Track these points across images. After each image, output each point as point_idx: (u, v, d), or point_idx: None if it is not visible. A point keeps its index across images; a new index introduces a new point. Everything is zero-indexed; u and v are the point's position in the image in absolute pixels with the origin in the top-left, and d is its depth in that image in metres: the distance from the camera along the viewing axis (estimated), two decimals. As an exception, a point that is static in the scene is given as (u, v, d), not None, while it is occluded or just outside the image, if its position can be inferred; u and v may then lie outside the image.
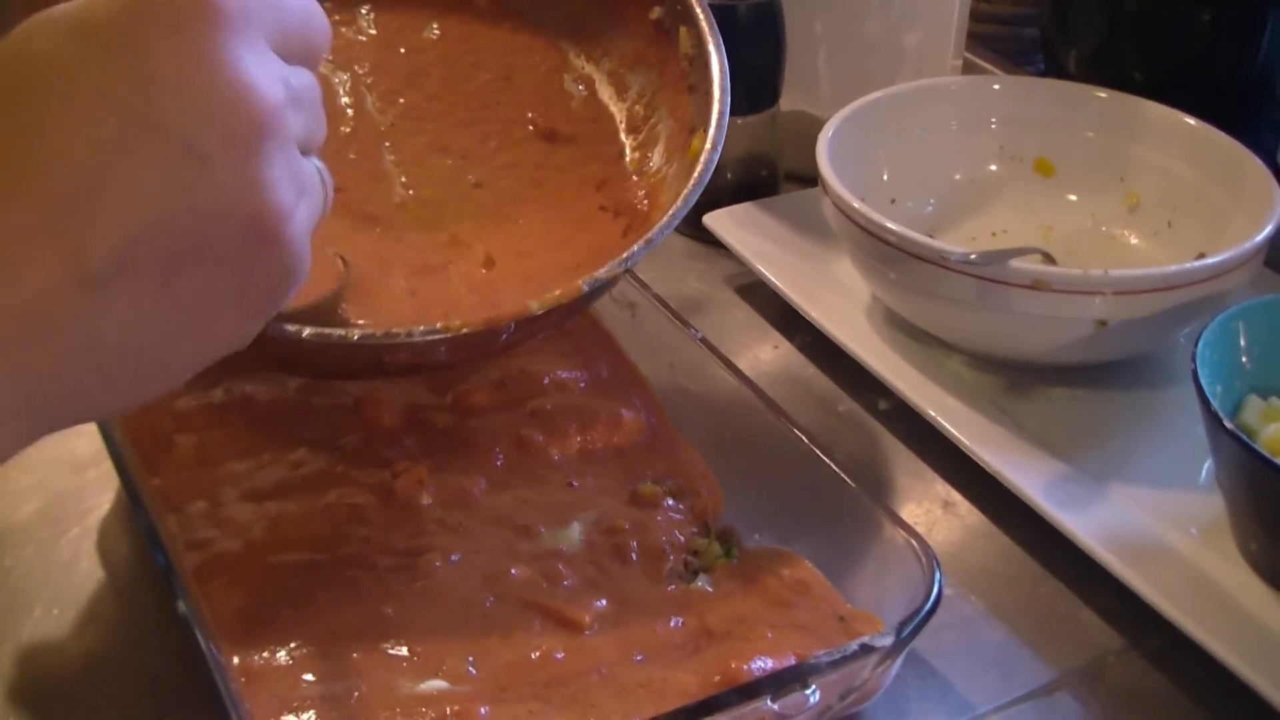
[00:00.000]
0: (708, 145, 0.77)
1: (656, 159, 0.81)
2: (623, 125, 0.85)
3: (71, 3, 0.47)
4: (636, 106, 0.84)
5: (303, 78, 0.52)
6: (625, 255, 0.71)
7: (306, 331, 0.66)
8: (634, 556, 0.77)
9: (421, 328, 0.67)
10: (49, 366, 0.46)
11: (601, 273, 0.70)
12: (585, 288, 0.70)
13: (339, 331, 0.67)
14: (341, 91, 0.83)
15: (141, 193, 0.46)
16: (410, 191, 0.81)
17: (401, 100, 0.85)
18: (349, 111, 0.83)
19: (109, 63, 0.46)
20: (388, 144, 0.82)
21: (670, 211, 0.73)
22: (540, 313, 0.69)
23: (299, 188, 0.50)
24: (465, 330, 0.68)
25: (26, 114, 0.46)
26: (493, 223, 0.80)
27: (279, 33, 0.50)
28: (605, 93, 0.86)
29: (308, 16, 0.53)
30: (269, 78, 0.48)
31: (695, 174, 0.75)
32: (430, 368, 0.84)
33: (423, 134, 0.83)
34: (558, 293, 0.69)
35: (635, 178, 0.81)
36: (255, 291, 0.50)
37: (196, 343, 0.50)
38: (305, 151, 0.52)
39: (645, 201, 0.79)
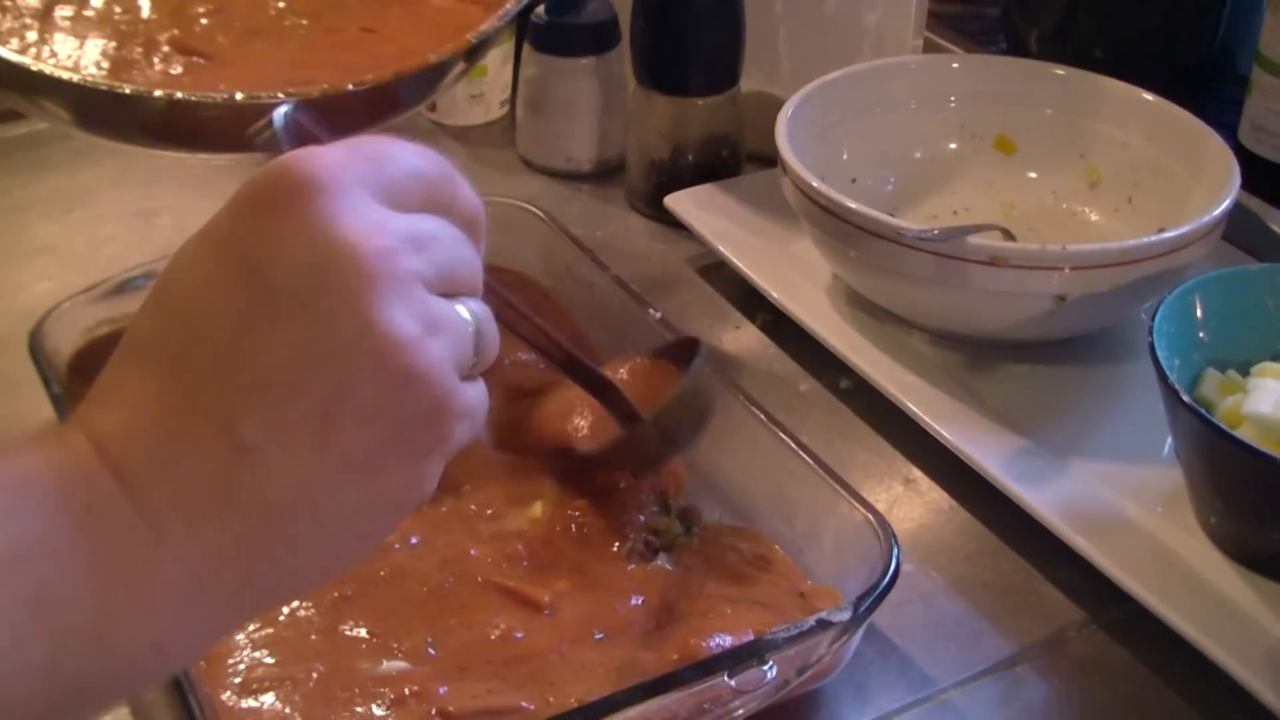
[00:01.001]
0: None
1: None
2: None
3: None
4: None
5: (424, 224, 0.52)
6: (502, 12, 0.78)
7: (240, 96, 0.71)
8: (594, 536, 0.77)
9: (341, 84, 0.73)
10: (229, 537, 0.48)
11: (485, 26, 0.77)
12: (473, 40, 0.76)
13: (267, 92, 0.72)
14: None
15: (271, 357, 0.48)
16: (282, 4, 0.86)
17: None
18: None
19: (223, 253, 0.49)
20: None
21: None
22: (437, 62, 0.75)
23: (427, 322, 0.50)
24: (371, 83, 0.73)
25: (168, 313, 0.50)
26: (364, 18, 0.86)
27: (386, 186, 0.51)
28: None
29: (414, 169, 0.53)
30: (368, 226, 0.49)
31: None
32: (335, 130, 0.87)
33: None
34: (449, 45, 0.76)
35: None
36: (413, 432, 0.50)
37: (367, 496, 0.50)
38: (445, 291, 0.52)
39: None
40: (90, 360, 0.87)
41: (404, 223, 0.51)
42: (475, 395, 0.53)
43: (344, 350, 0.48)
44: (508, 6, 0.78)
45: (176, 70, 0.79)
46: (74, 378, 0.85)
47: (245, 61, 0.82)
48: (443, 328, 0.51)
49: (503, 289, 0.66)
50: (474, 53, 0.79)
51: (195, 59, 0.81)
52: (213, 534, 0.48)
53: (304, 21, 0.85)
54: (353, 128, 0.85)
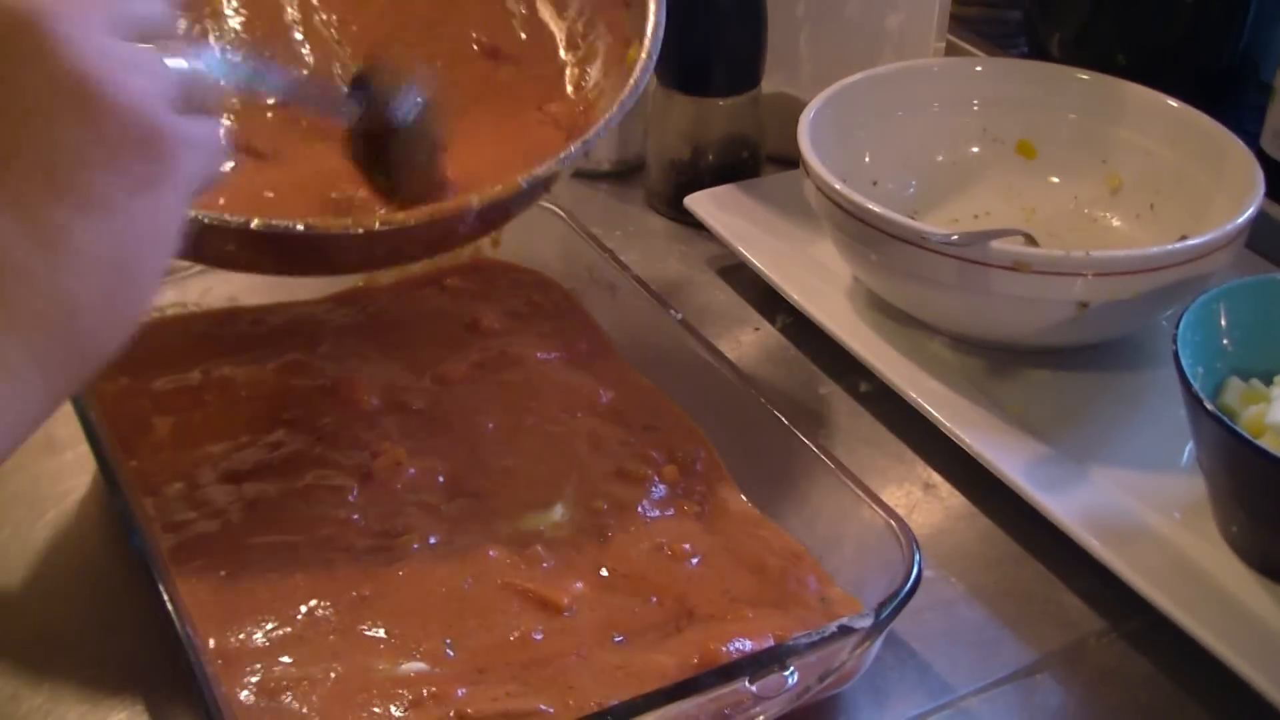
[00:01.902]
0: (643, 54, 0.80)
1: (594, 74, 0.86)
2: (562, 43, 0.89)
3: None
4: (576, 24, 0.88)
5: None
6: (561, 155, 0.75)
7: (255, 222, 0.70)
8: (613, 538, 0.76)
9: (368, 221, 0.71)
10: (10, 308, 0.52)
11: (539, 170, 0.74)
12: (524, 184, 0.74)
13: (286, 223, 0.70)
14: (295, 21, 0.88)
15: None
16: None
17: (354, 28, 0.89)
18: (303, 41, 0.88)
19: None
20: (339, 68, 0.85)
21: (606, 116, 0.78)
22: (479, 207, 0.73)
23: (118, 61, 0.54)
24: (409, 224, 0.72)
25: None
26: None
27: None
28: (545, 11, 0.90)
29: None
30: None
31: (630, 81, 0.79)
32: (376, 262, 0.86)
33: None
34: (497, 188, 0.74)
35: (574, 93, 0.86)
36: (131, 163, 0.54)
37: (117, 235, 0.54)
38: (140, 39, 0.57)
39: (584, 114, 0.84)
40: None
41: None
42: (202, 129, 0.59)
43: (43, 103, 0.53)
44: (571, 149, 0.76)
45: (226, 166, 0.78)
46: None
47: (296, 165, 0.81)
48: (136, 66, 0.55)
49: None
50: (526, 195, 0.77)
51: (249, 157, 0.80)
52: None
53: None
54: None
